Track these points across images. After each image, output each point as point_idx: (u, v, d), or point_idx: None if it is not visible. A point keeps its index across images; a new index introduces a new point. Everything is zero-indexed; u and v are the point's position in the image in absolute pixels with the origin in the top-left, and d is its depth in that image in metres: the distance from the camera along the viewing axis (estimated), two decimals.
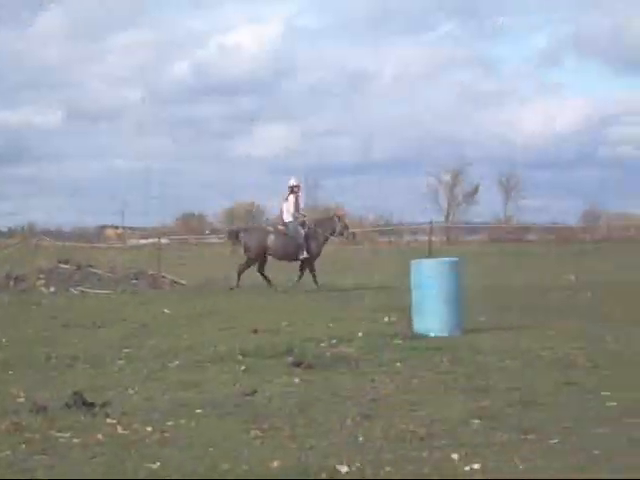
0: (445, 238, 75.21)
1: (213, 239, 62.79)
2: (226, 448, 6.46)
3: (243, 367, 10.05)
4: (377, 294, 20.88)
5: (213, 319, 15.52)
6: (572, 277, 24.69)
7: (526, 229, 76.71)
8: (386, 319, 14.52)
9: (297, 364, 10.06)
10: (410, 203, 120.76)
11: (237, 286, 22.57)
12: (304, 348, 11.20)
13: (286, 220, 23.10)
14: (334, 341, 11.85)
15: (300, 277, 23.03)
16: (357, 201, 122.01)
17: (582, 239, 66.84)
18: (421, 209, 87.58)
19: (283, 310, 16.84)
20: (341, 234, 23.69)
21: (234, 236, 23.96)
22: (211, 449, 6.44)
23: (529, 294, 21.09)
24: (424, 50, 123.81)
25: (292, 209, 23.03)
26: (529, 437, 6.64)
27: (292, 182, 23.31)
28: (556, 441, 6.50)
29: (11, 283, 24.63)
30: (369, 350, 11.18)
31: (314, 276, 22.88)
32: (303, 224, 23.10)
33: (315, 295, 21.08)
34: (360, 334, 12.44)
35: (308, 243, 22.90)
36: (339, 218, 23.90)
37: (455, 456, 6.11)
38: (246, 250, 23.14)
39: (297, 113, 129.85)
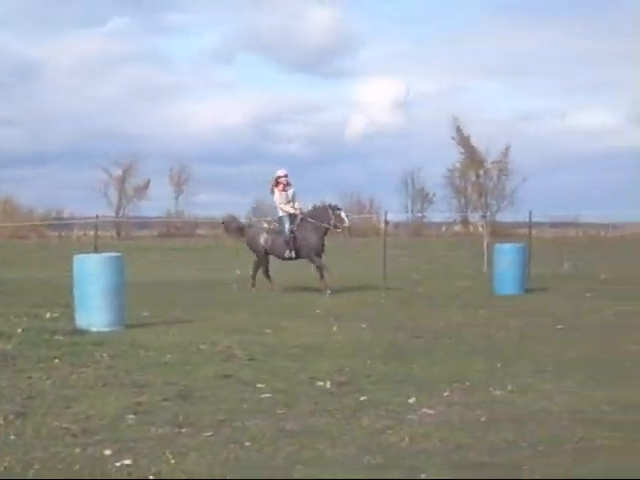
0: (116, 233, 74.64)
1: None
2: None
3: None
4: (42, 289, 20.35)
5: None
6: (237, 271, 25.19)
7: (197, 224, 77.51)
8: (48, 315, 14.07)
9: None
10: (81, 197, 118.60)
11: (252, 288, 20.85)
12: None
13: (279, 215, 20.87)
14: None
15: (321, 276, 20.53)
16: (26, 194, 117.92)
17: None
18: (93, 203, 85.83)
19: None
20: (336, 227, 20.89)
21: (236, 230, 22.15)
22: None
23: (196, 289, 21.33)
24: (96, 43, 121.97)
25: (279, 202, 20.62)
26: (183, 431, 6.67)
27: (278, 173, 20.84)
28: (210, 434, 6.58)
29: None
30: (28, 346, 10.78)
31: (321, 273, 20.58)
32: (293, 218, 20.60)
33: None
34: (20, 330, 11.99)
35: (303, 238, 20.49)
36: (332, 209, 20.92)
37: (108, 452, 6.03)
38: (250, 249, 21.53)
39: None
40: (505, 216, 40.04)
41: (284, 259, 21.05)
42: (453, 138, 37.56)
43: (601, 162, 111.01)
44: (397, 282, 22.96)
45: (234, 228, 22.30)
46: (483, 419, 7.06)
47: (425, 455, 5.95)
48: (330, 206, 21.16)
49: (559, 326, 13.31)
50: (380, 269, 25.29)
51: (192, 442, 6.33)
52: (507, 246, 21.38)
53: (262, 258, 20.98)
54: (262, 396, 7.97)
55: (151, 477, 5.48)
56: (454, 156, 38.02)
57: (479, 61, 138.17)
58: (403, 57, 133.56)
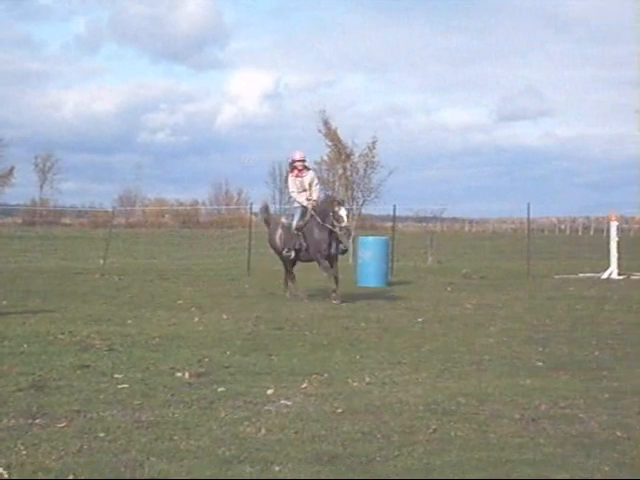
0: None
1: None
2: None
3: None
4: None
5: None
6: (101, 261, 24.88)
7: (62, 212, 76.07)
8: None
9: None
10: None
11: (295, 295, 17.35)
12: None
13: (294, 206, 17.59)
14: None
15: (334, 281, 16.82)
16: None
17: (117, 224, 67.49)
18: None
19: None
20: (332, 226, 16.64)
21: (264, 222, 18.81)
22: None
23: (58, 278, 20.97)
24: None
25: (291, 189, 17.47)
26: (37, 421, 6.54)
27: (293, 156, 17.54)
28: (64, 425, 6.46)
29: None
30: None
31: (329, 277, 16.94)
32: (304, 212, 17.03)
33: None
34: None
35: (308, 235, 16.93)
36: (333, 205, 16.81)
37: None
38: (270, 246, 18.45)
39: None
40: (372, 209, 40.53)
41: (290, 259, 17.53)
42: (320, 131, 37.76)
43: (469, 158, 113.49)
44: (262, 274, 23.00)
45: (263, 219, 19.17)
46: (340, 410, 7.11)
47: (280, 446, 5.97)
48: (333, 200, 17.42)
49: (419, 319, 13.53)
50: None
51: (45, 433, 6.23)
52: (370, 239, 21.63)
53: (281, 257, 17.86)
54: (119, 387, 7.88)
55: (0, 469, 5.35)
56: (322, 149, 38.27)
57: (349, 55, 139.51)
58: (274, 49, 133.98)
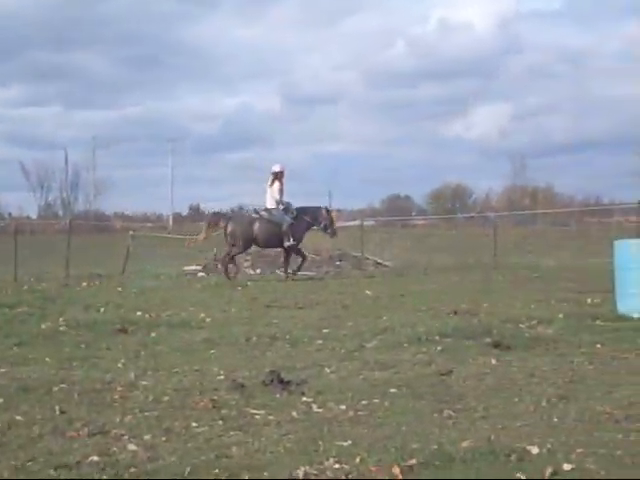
0: None
1: (419, 221, 64.14)
2: (417, 428, 6.07)
3: (440, 348, 9.64)
4: (581, 275, 20.43)
5: (413, 300, 15.19)
6: None
7: None
8: (589, 300, 14.02)
9: (495, 345, 9.69)
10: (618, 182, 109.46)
11: (231, 278, 21.29)
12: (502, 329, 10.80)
13: (269, 207, 21.66)
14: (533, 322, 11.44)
15: (286, 266, 22.21)
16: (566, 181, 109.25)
17: None
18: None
19: (482, 291, 16.79)
20: (325, 229, 22.28)
21: (214, 223, 22.37)
22: (403, 428, 6.04)
23: None
24: None
25: (277, 196, 21.55)
26: None
27: (276, 168, 21.76)
28: None
29: (218, 265, 23.84)
30: (569, 331, 10.62)
31: (287, 265, 22.23)
32: (287, 211, 21.71)
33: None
34: (560, 315, 11.95)
35: (292, 230, 21.57)
36: (327, 212, 22.55)
37: None
38: (232, 238, 21.57)
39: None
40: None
41: (280, 247, 22.48)
42: None
43: None
44: None
45: (214, 223, 22.81)
46: None
47: None
48: (324, 208, 23.27)
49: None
50: None
51: None
52: None
53: (246, 248, 22.74)
54: None
55: None
56: None
57: None
58: None
